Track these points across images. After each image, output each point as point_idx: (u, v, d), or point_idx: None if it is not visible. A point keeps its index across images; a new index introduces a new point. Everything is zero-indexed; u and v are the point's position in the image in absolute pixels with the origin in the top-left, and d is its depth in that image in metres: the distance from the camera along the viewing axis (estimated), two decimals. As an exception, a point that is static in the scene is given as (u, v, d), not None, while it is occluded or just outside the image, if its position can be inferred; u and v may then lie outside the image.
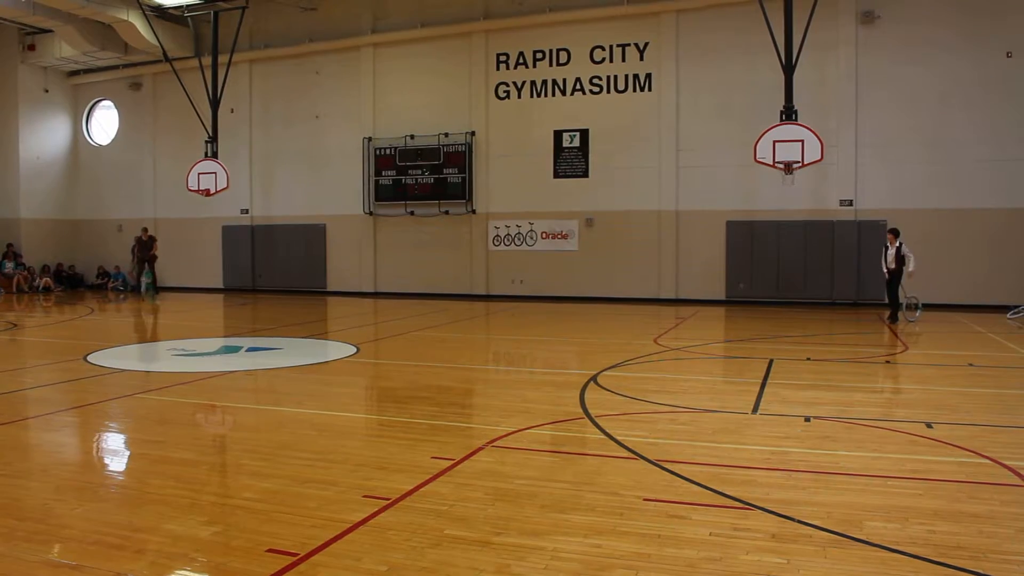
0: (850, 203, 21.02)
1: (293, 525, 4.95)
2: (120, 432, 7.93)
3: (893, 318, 17.24)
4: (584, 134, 23.67)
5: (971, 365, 11.47)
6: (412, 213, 25.69)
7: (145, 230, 26.49)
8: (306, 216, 27.30)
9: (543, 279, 24.15)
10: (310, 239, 27.21)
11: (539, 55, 24.15)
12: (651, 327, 16.86)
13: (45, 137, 30.42)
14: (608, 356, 12.34)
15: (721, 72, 22.18)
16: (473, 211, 24.91)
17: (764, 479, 5.90)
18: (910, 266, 16.92)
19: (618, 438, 7.08)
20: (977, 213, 20.03)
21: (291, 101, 27.43)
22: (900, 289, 17.13)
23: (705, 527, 4.88)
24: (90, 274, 30.84)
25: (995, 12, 19.81)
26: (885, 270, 17.33)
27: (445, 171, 25.07)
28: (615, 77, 23.36)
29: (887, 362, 12.36)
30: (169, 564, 4.42)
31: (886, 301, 17.87)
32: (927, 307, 18.38)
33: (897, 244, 17.07)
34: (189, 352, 13.38)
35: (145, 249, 26.05)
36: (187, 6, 24.67)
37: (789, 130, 17.31)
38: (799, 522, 4.95)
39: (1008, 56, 19.75)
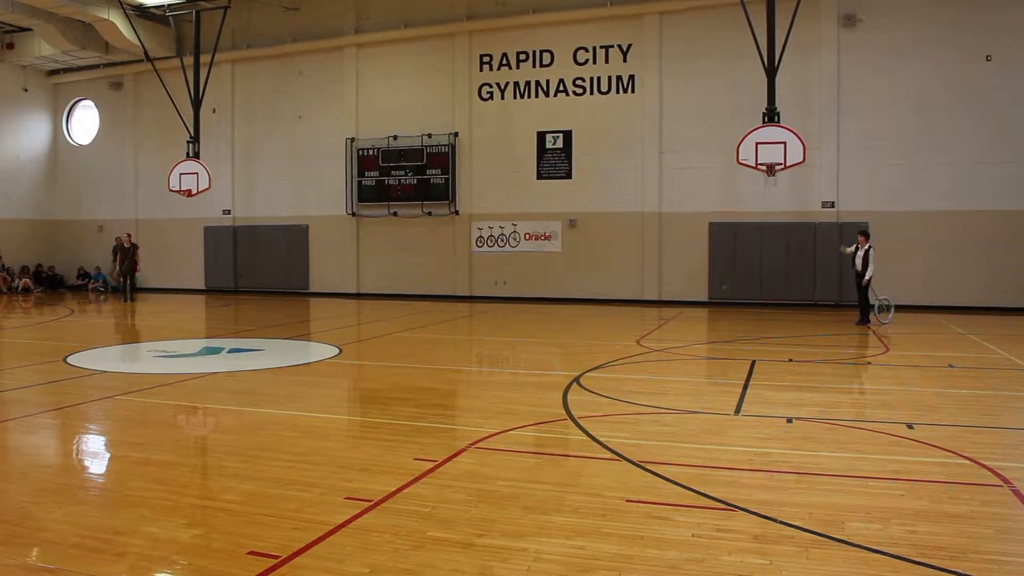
0: (832, 205, 21.16)
1: (275, 527, 4.93)
2: (100, 434, 7.86)
3: (862, 320, 17.29)
4: (567, 135, 23.70)
5: (951, 366, 11.56)
6: (395, 214, 25.63)
7: (128, 236, 25.47)
8: (288, 217, 27.19)
9: (526, 280, 24.15)
10: (292, 240, 27.10)
11: (522, 56, 24.16)
12: (634, 328, 16.89)
13: (24, 136, 30.18)
14: (591, 357, 12.35)
15: (704, 74, 22.27)
16: (456, 212, 24.89)
17: (746, 480, 5.92)
18: (867, 274, 16.98)
19: (601, 439, 7.08)
20: (958, 215, 20.20)
21: (274, 101, 27.32)
22: (871, 291, 17.19)
23: (688, 528, 4.89)
24: (70, 275, 30.60)
25: (975, 16, 20.00)
26: (854, 271, 17.41)
27: (428, 172, 25.05)
28: (598, 78, 23.41)
29: (868, 364, 12.43)
30: (150, 567, 4.38)
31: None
32: (907, 308, 18.50)
33: (866, 246, 17.12)
34: (170, 353, 13.29)
35: (126, 257, 24.61)
36: (169, 5, 24.51)
37: (771, 132, 17.38)
38: (781, 523, 4.97)
39: (988, 60, 19.95)
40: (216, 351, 13.49)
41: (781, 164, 17.28)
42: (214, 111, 27.31)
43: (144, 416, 8.37)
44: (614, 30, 23.22)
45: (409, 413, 8.46)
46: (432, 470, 6.13)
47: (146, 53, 24.38)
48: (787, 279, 21.65)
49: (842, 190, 21.12)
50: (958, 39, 20.15)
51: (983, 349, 13.45)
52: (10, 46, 28.69)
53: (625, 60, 23.14)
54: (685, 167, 22.47)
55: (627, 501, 5.40)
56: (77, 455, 7.12)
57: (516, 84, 24.29)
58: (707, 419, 8.05)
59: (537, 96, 24.06)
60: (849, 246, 17.48)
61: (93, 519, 5.13)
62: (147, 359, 13.10)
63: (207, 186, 23.37)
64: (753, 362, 11.91)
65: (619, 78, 23.23)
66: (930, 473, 6.12)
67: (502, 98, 24.45)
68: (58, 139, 31.32)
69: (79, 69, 30.08)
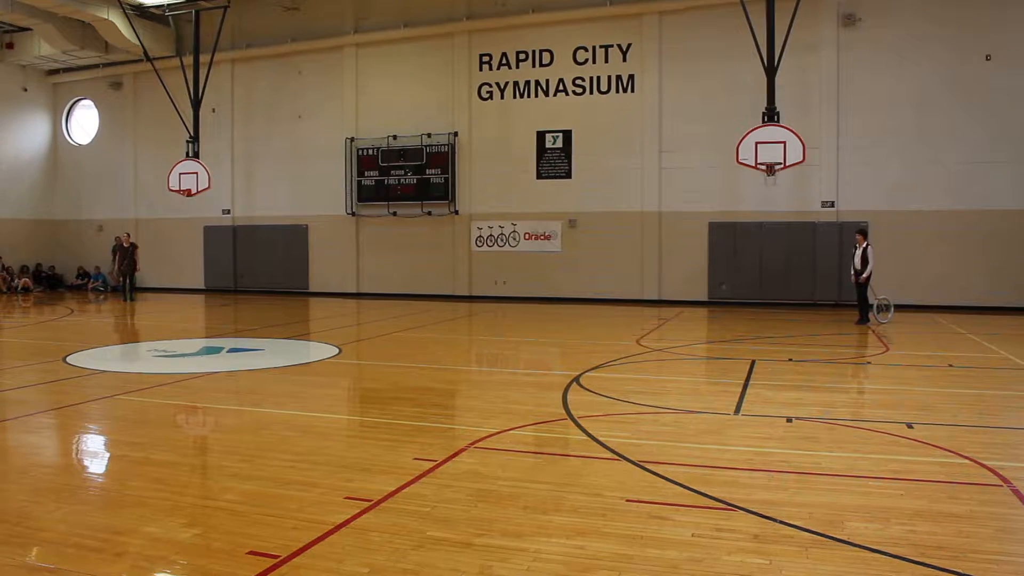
0: (832, 204, 21.15)
1: (274, 527, 4.93)
2: (100, 434, 7.86)
3: (861, 320, 17.29)
4: (567, 135, 23.69)
5: (951, 366, 11.56)
6: (395, 214, 25.63)
7: (128, 235, 25.47)
8: (288, 216, 27.18)
9: (526, 280, 24.14)
10: (292, 240, 27.09)
11: (522, 56, 24.15)
12: (634, 328, 16.88)
13: (24, 136, 30.16)
14: (591, 357, 12.35)
15: (704, 73, 22.26)
16: (456, 212, 24.88)
17: (746, 480, 5.92)
18: (866, 271, 16.98)
19: (600, 439, 7.08)
20: (958, 215, 20.18)
21: (273, 101, 27.30)
22: (870, 291, 17.19)
23: (687, 528, 4.89)
24: (70, 274, 30.58)
25: (975, 15, 19.97)
26: (852, 272, 17.41)
27: (428, 172, 25.03)
28: (598, 78, 23.39)
29: (868, 363, 12.43)
30: (149, 567, 4.38)
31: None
32: (907, 308, 18.47)
33: (864, 245, 17.13)
34: (170, 353, 13.29)
35: (125, 257, 24.51)
36: (168, 5, 24.48)
37: (771, 131, 17.37)
38: (781, 523, 4.97)
39: (987, 59, 19.94)
40: (216, 351, 13.49)
41: (781, 164, 17.28)
42: (214, 111, 27.29)
43: (144, 416, 8.37)
44: (614, 30, 23.21)
45: (409, 413, 8.46)
46: (432, 470, 6.13)
47: (146, 53, 24.37)
48: (787, 279, 21.63)
49: (842, 190, 21.11)
50: (958, 39, 20.13)
51: (983, 349, 13.45)
52: (10, 46, 28.67)
53: (625, 60, 23.13)
54: (685, 167, 22.46)
55: (627, 501, 5.40)
56: (77, 455, 7.12)
57: (516, 84, 24.28)
58: (707, 419, 8.05)
59: (537, 96, 24.04)
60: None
61: (92, 519, 5.13)
62: (147, 359, 13.10)
63: (207, 186, 23.36)
64: (753, 362, 11.91)
65: (619, 78, 23.22)
66: (930, 473, 6.12)
67: (502, 98, 24.44)
68: (58, 139, 31.31)
69: (78, 69, 30.06)
